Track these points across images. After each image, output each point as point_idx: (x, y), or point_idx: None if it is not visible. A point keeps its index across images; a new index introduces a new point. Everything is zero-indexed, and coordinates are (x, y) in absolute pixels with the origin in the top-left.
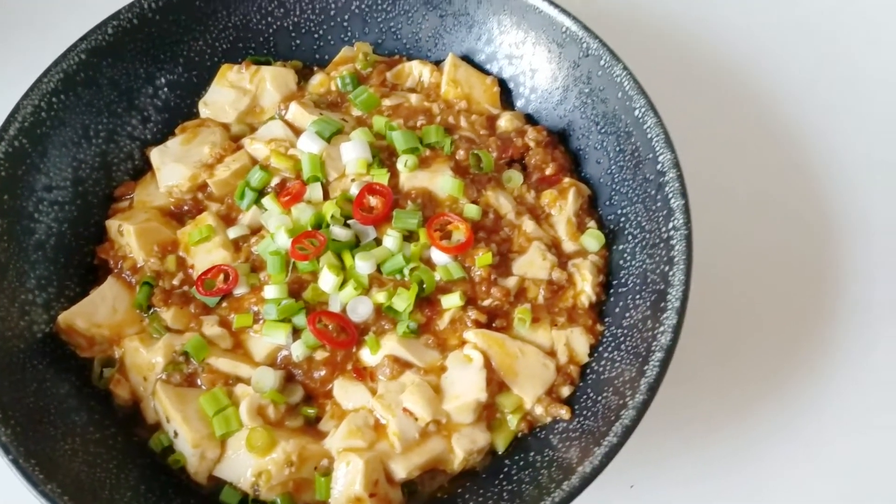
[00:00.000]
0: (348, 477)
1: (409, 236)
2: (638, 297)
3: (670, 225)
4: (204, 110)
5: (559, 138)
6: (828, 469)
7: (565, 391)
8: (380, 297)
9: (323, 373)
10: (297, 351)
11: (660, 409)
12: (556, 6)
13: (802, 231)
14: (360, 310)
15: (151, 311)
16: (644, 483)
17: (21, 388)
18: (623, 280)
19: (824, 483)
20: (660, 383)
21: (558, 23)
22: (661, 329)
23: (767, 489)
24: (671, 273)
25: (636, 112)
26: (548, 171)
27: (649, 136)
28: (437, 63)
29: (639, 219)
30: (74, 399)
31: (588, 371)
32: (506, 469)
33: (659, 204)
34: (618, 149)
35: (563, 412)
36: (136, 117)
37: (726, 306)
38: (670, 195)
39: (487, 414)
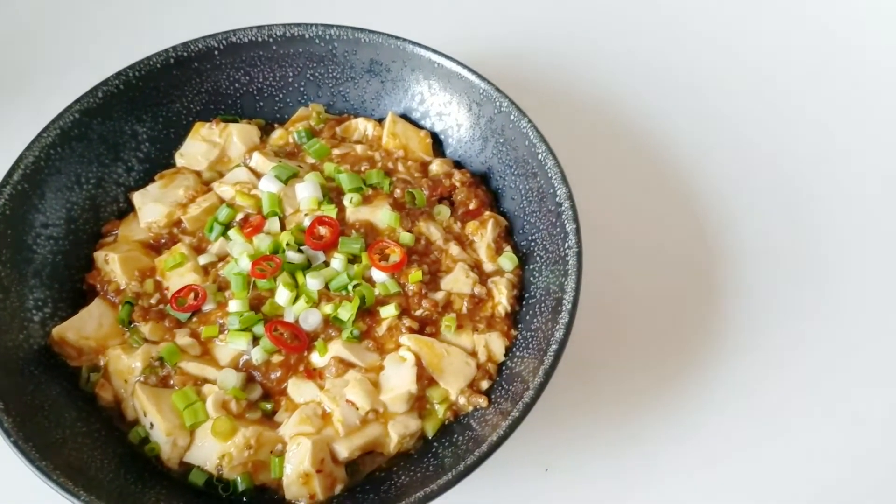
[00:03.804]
0: (298, 456)
1: (353, 259)
2: (543, 304)
3: (566, 245)
4: (179, 160)
5: (481, 179)
6: (714, 448)
7: (484, 384)
8: (327, 308)
9: (278, 373)
10: (257, 355)
11: (571, 403)
12: (475, 73)
13: (686, 252)
14: (311, 320)
15: (132, 325)
16: (557, 466)
17: (20, 388)
18: (532, 293)
19: (711, 460)
20: (554, 369)
21: (476, 85)
22: (557, 327)
23: (660, 466)
24: (566, 283)
25: (539, 156)
26: (471, 206)
27: (549, 175)
28: (380, 120)
29: (544, 242)
30: (65, 399)
31: (504, 367)
32: (433, 450)
33: (558, 229)
34: (527, 187)
35: (482, 401)
36: (121, 167)
37: (623, 321)
38: (566, 221)
39: (419, 404)
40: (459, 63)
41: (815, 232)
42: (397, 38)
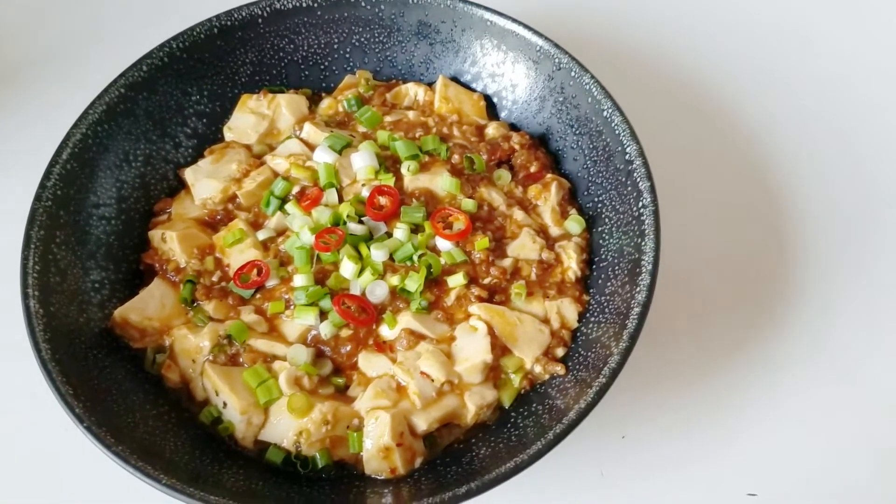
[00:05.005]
0: (377, 430)
1: (415, 229)
2: (617, 268)
3: (640, 204)
4: (228, 134)
5: (540, 141)
6: (796, 415)
7: (560, 352)
8: (394, 280)
9: (348, 348)
10: (325, 330)
11: (645, 370)
12: (530, 29)
13: (759, 217)
14: (378, 292)
15: (195, 304)
16: (634, 434)
17: (86, 373)
18: (603, 256)
19: (793, 430)
20: (639, 332)
21: (532, 43)
22: (638, 289)
23: (742, 434)
24: (643, 243)
25: (605, 113)
26: (532, 169)
27: (617, 132)
28: (430, 84)
29: (613, 203)
30: (131, 383)
31: (578, 334)
32: (512, 420)
33: (629, 188)
34: (591, 146)
35: (559, 369)
36: (169, 143)
37: (696, 282)
38: (638, 179)
39: (494, 374)
40: (514, 20)
41: (885, 188)
42: None
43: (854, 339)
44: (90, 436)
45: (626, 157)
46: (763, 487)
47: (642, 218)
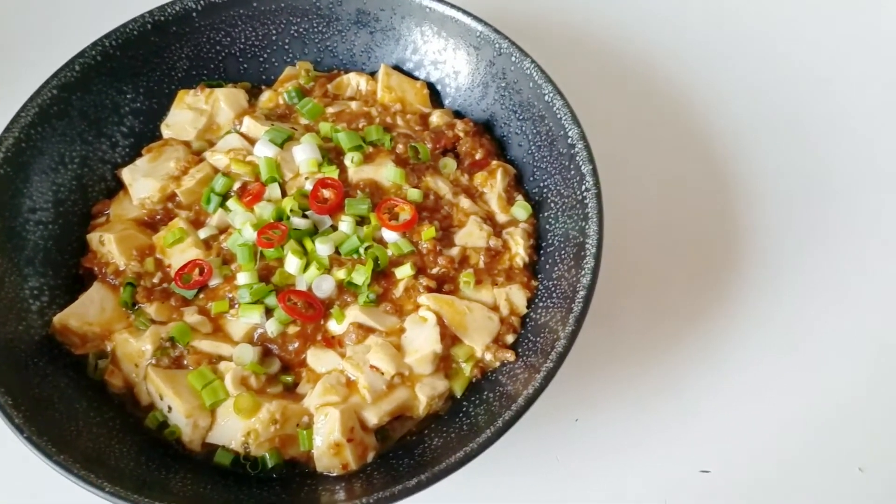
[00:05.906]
0: (327, 426)
1: (361, 221)
2: (563, 252)
3: (583, 187)
4: (166, 131)
5: (484, 128)
6: (744, 386)
7: (509, 338)
8: (340, 274)
9: (296, 345)
10: (272, 327)
11: (596, 353)
12: (470, 15)
13: (705, 194)
14: (324, 286)
15: (136, 307)
16: (587, 417)
17: (26, 382)
18: (550, 241)
19: (742, 400)
20: (585, 315)
21: (473, 29)
22: (583, 272)
23: (693, 412)
24: (587, 227)
25: (546, 97)
26: (477, 157)
27: (559, 116)
28: (372, 74)
29: (558, 188)
30: (73, 390)
31: (528, 320)
32: (464, 409)
33: (572, 172)
34: (534, 131)
35: (509, 355)
36: (106, 143)
37: (646, 261)
38: (581, 163)
39: (444, 364)
40: (452, 5)
41: (826, 161)
42: None
43: (800, 316)
44: (30, 446)
45: (569, 140)
46: (715, 464)
47: (586, 201)
